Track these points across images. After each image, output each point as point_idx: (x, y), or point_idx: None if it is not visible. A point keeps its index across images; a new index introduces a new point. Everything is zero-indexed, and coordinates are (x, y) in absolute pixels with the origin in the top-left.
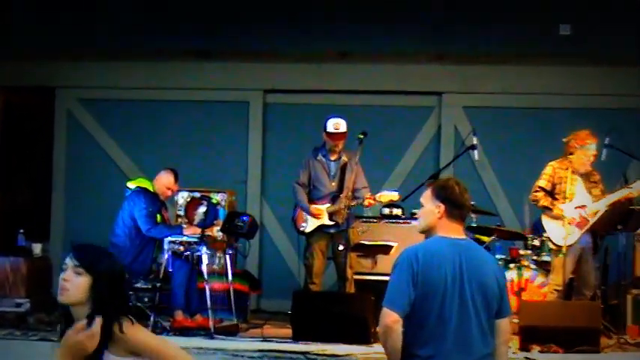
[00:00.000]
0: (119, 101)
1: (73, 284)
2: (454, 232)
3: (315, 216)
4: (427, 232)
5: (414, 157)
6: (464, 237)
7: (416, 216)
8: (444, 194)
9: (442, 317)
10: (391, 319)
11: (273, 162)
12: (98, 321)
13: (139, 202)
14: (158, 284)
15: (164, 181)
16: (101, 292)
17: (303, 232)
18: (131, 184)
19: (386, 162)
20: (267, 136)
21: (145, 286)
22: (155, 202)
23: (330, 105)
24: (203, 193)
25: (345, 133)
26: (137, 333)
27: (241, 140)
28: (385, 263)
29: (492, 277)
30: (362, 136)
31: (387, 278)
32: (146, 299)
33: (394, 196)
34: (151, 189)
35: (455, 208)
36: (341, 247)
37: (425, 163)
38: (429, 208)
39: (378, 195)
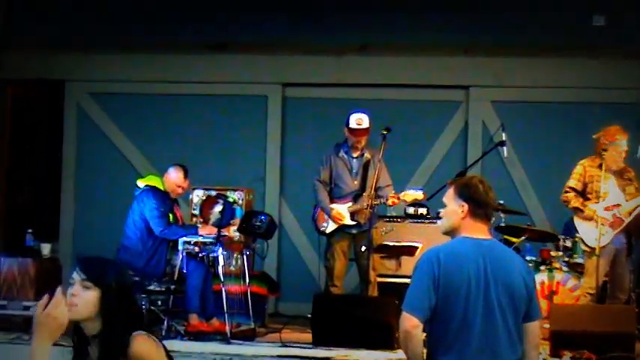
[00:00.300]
0: (132, 95)
1: (82, 299)
2: (479, 232)
3: (335, 220)
4: (451, 232)
5: (439, 154)
6: (489, 237)
7: (440, 216)
8: (467, 193)
9: (466, 321)
10: (411, 323)
11: (293, 159)
12: (58, 290)
13: (148, 203)
14: (172, 287)
15: (173, 178)
16: (111, 306)
17: (323, 233)
18: (140, 183)
19: (410, 159)
20: (286, 131)
21: (159, 289)
22: (165, 200)
23: (352, 99)
24: (219, 192)
25: (368, 128)
26: (143, 352)
27: (259, 136)
28: (410, 265)
29: (519, 278)
30: (385, 132)
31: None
32: (159, 302)
33: (419, 194)
34: (161, 187)
35: (479, 207)
36: (363, 248)
37: (451, 160)
38: (452, 207)
39: (402, 193)
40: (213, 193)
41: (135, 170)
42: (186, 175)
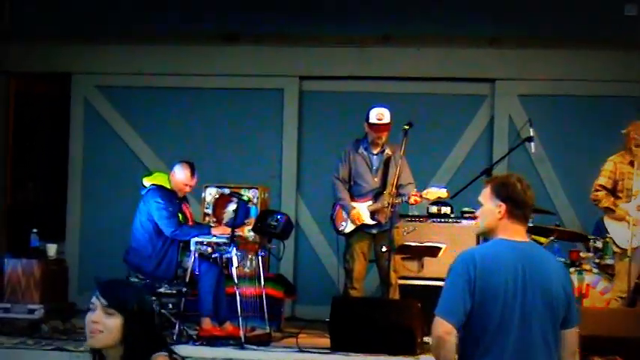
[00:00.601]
0: (141, 88)
1: (106, 327)
2: (516, 234)
3: (353, 221)
4: (487, 233)
5: (464, 150)
6: (526, 239)
7: (468, 215)
8: (505, 192)
9: (502, 328)
10: (444, 329)
11: (310, 155)
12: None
13: (156, 204)
14: (184, 289)
15: (180, 177)
16: (134, 331)
17: (342, 233)
18: (146, 182)
19: (433, 156)
20: (304, 126)
21: (169, 291)
22: (173, 200)
23: (373, 93)
24: (233, 190)
25: (389, 124)
26: None
27: (275, 131)
28: (432, 267)
29: (558, 283)
30: (407, 127)
31: (434, 283)
32: (170, 306)
33: (442, 192)
34: (167, 185)
35: (517, 207)
36: (384, 249)
37: (476, 156)
38: (489, 207)
39: (424, 192)
40: (227, 191)
41: (145, 168)
42: (193, 173)
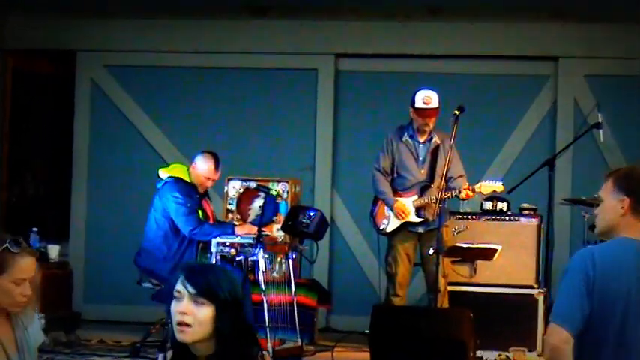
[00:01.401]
0: (155, 68)
1: (196, 318)
2: None
3: (398, 215)
4: (607, 233)
5: (522, 138)
6: None
7: (527, 212)
8: (628, 186)
9: (623, 341)
10: (560, 337)
11: (347, 144)
12: None
13: (174, 198)
14: None
15: (202, 169)
16: (226, 322)
17: (384, 232)
18: (163, 173)
19: (488, 144)
20: (340, 111)
21: None
22: (193, 194)
23: (418, 73)
24: (260, 183)
25: (437, 108)
26: None
27: (307, 117)
28: (486, 271)
29: None
30: (458, 113)
31: (488, 290)
32: None
33: (498, 186)
34: (186, 178)
35: None
36: (431, 251)
37: (536, 145)
38: (610, 203)
39: (477, 185)
40: (253, 184)
41: (159, 157)
42: (217, 166)
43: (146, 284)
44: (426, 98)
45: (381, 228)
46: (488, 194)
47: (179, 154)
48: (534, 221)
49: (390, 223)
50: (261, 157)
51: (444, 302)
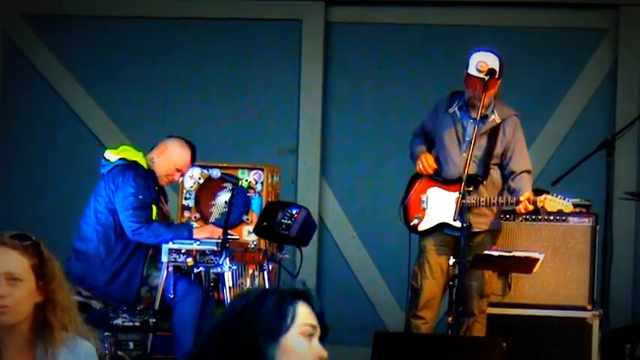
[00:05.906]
0: (87, 19)
1: None
2: None
3: (419, 166)
4: None
5: (573, 111)
6: None
7: (580, 210)
8: None
9: None
10: None
11: (341, 118)
12: None
13: (124, 186)
14: (151, 320)
15: (176, 154)
16: None
17: (415, 229)
18: (111, 155)
19: (528, 119)
20: (330, 73)
21: (130, 323)
22: (151, 186)
23: (432, 25)
24: (225, 171)
25: (495, 78)
26: None
27: (289, 80)
28: (524, 287)
29: None
30: (486, 78)
31: (527, 312)
32: (131, 345)
33: (566, 206)
34: (143, 164)
35: None
36: (451, 261)
37: (591, 120)
38: None
39: (541, 198)
40: (216, 173)
41: (89, 131)
42: (194, 158)
43: (77, 297)
44: (481, 64)
45: (412, 223)
46: (555, 211)
47: (116, 129)
48: (587, 222)
49: (426, 219)
50: (227, 137)
51: (479, 330)
